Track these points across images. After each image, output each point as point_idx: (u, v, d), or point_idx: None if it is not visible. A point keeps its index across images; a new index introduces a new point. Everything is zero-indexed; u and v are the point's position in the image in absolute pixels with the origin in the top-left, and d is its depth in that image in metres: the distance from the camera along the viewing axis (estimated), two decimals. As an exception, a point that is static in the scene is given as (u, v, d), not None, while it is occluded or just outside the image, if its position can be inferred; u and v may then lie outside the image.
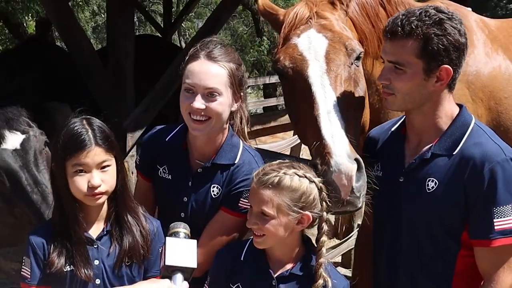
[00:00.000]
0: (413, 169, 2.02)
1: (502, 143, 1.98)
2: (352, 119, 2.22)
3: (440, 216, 1.96)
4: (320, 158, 2.04)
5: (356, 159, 2.03)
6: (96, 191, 1.95)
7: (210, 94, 2.09)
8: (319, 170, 2.02)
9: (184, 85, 2.13)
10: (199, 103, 2.07)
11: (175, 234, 1.89)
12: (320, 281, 1.97)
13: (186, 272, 1.83)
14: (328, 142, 2.05)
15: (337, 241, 5.98)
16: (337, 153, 2.02)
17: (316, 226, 2.03)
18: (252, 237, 2.09)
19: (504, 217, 1.88)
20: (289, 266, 2.04)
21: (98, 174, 1.96)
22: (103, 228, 2.07)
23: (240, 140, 2.30)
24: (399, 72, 1.95)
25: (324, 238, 2.02)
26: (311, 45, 2.28)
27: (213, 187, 2.22)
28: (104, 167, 1.98)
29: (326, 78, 2.21)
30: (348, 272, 5.66)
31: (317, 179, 1.98)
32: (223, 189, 2.21)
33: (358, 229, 5.70)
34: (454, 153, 1.96)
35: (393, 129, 2.20)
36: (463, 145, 1.95)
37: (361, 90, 2.34)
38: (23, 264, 2.04)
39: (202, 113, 2.09)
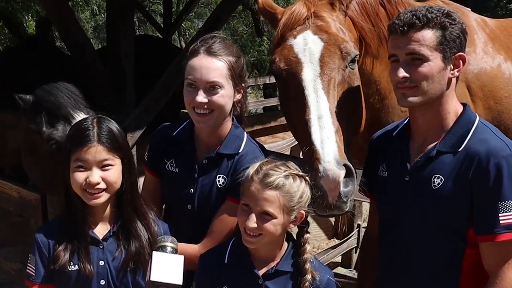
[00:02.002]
0: (419, 168, 2.02)
1: (507, 138, 1.98)
2: (344, 123, 2.22)
3: (446, 212, 1.96)
4: (309, 163, 2.07)
5: (345, 165, 2.05)
6: (94, 188, 1.94)
7: (211, 88, 2.15)
8: (309, 175, 2.04)
9: (187, 81, 2.19)
10: (201, 97, 2.13)
11: (162, 248, 1.87)
12: (308, 276, 2.00)
13: None
14: (317, 147, 2.07)
15: (337, 241, 5.98)
16: (326, 159, 2.04)
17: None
18: (233, 239, 2.10)
19: (509, 211, 1.86)
20: (273, 263, 2.05)
21: (98, 172, 1.94)
22: (109, 230, 2.05)
23: (244, 132, 2.34)
24: (418, 62, 1.95)
25: (307, 235, 2.06)
26: (306, 47, 2.27)
27: (219, 177, 2.25)
28: (106, 165, 1.96)
29: (319, 82, 2.21)
30: (348, 272, 5.67)
31: (309, 178, 2.03)
32: (229, 179, 2.24)
33: (358, 229, 5.72)
34: (459, 149, 1.96)
35: (397, 131, 2.20)
36: (468, 142, 1.96)
37: (355, 93, 2.33)
38: (28, 261, 2.03)
39: (205, 106, 2.15)
